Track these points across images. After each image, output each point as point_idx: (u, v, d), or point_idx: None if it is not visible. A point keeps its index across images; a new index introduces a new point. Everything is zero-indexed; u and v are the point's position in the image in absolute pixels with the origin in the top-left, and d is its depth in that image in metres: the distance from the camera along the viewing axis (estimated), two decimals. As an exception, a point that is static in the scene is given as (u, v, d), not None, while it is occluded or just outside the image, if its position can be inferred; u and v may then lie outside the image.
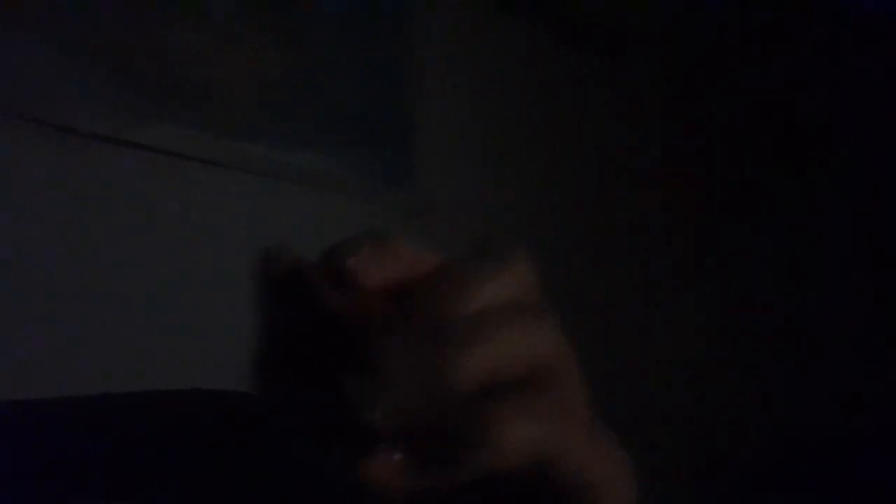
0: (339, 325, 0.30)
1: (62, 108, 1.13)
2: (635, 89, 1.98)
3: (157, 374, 1.12)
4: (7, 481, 0.42)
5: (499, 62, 1.76)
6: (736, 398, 1.97)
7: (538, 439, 0.28)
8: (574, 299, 1.65)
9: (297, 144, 1.37)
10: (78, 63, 1.14)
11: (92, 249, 1.15)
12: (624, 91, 1.96)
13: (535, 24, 1.80)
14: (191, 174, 1.26)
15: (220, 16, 1.29)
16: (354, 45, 1.45)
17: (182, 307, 1.23)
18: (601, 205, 1.89)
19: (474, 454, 0.28)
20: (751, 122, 2.17)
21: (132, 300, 1.18)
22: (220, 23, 1.29)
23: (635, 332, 1.86)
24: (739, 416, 1.95)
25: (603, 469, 0.30)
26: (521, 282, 0.30)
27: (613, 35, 1.93)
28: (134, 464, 0.44)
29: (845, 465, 1.85)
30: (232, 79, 1.31)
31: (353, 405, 0.28)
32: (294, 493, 0.45)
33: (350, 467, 0.28)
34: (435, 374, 0.28)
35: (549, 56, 1.84)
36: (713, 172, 2.09)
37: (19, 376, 0.99)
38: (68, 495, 0.41)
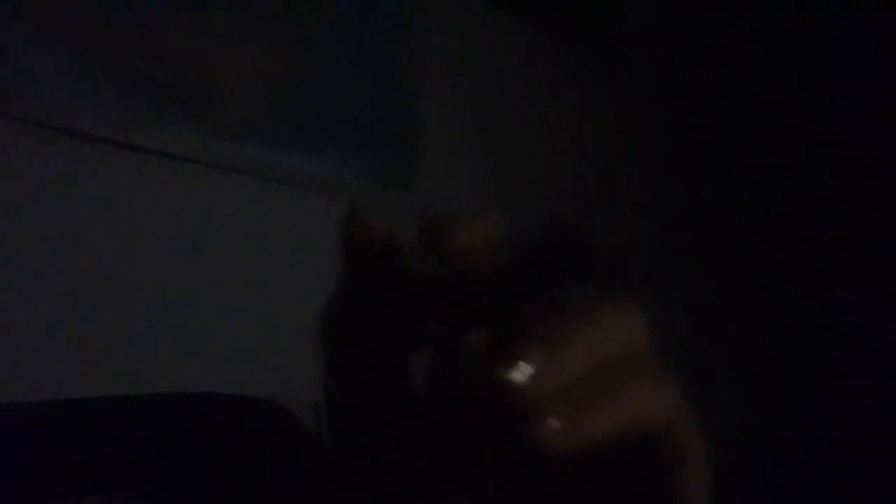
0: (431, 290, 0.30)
1: (63, 110, 1.13)
2: (637, 92, 1.98)
3: (155, 377, 1.12)
4: (17, 479, 0.42)
5: (501, 65, 1.75)
6: (737, 405, 1.96)
7: (663, 403, 0.29)
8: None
9: (299, 147, 1.37)
10: (79, 65, 1.14)
11: (93, 252, 1.15)
12: (626, 94, 1.96)
13: (538, 27, 1.80)
14: (192, 177, 1.26)
15: (222, 18, 1.29)
16: (356, 48, 1.45)
17: (183, 310, 1.22)
18: (603, 208, 1.88)
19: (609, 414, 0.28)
20: (751, 124, 2.17)
21: (134, 303, 1.18)
22: (222, 25, 1.29)
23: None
24: (741, 423, 1.95)
25: (698, 441, 0.30)
26: (635, 332, 0.31)
27: (615, 38, 1.93)
28: (140, 464, 0.44)
29: (847, 472, 1.85)
30: (233, 81, 1.31)
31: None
32: (295, 494, 0.44)
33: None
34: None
35: (552, 59, 1.84)
36: (715, 175, 2.08)
37: (23, 379, 0.99)
38: (76, 492, 0.41)
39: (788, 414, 2.00)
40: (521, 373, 0.26)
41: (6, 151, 1.09)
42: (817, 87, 2.21)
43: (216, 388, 0.52)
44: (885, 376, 2.04)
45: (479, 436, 0.28)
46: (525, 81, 1.78)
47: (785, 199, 2.19)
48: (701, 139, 2.07)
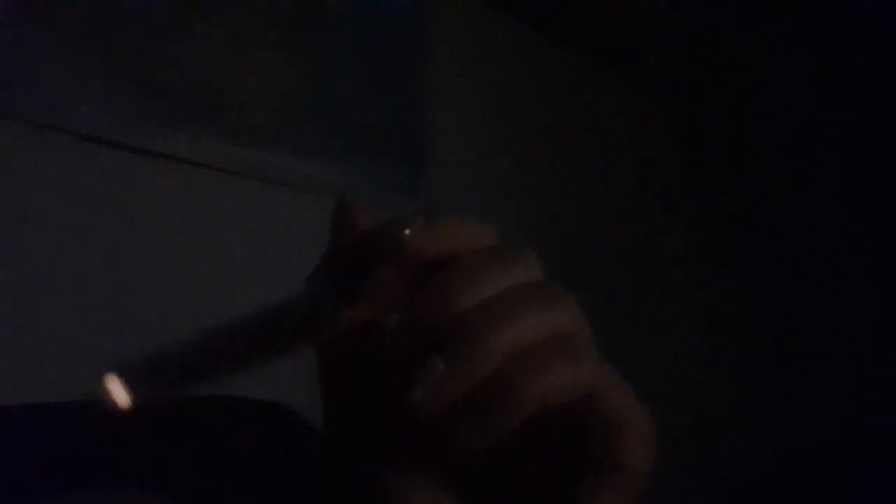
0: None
1: (79, 115, 1.14)
2: (649, 104, 1.98)
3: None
4: (17, 481, 0.42)
5: (514, 75, 1.76)
6: (741, 413, 1.96)
7: (584, 373, 0.33)
8: (584, 311, 1.65)
9: (312, 153, 1.37)
10: (96, 71, 1.15)
11: (106, 257, 1.15)
12: (638, 106, 1.96)
13: (552, 39, 1.80)
14: (207, 183, 1.27)
15: (235, 24, 1.30)
16: (370, 56, 1.46)
17: (198, 315, 1.23)
18: (614, 220, 1.89)
19: (526, 395, 0.31)
20: (759, 128, 2.16)
21: (149, 307, 1.18)
22: (238, 32, 1.30)
23: (641, 348, 1.86)
24: (744, 431, 1.94)
25: (634, 406, 0.34)
26: (534, 270, 0.35)
27: (629, 50, 1.93)
28: (139, 467, 0.44)
29: (852, 482, 1.84)
30: (245, 87, 1.32)
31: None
32: (297, 495, 0.45)
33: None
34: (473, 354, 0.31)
35: (562, 67, 1.85)
36: (719, 178, 2.08)
37: (23, 379, 1.00)
38: (74, 494, 0.41)
39: (790, 419, 2.00)
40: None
41: (25, 158, 1.10)
42: (826, 90, 2.20)
43: (222, 391, 0.53)
44: (886, 379, 2.03)
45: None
46: (535, 89, 1.79)
47: (788, 202, 2.18)
48: (709, 143, 2.07)
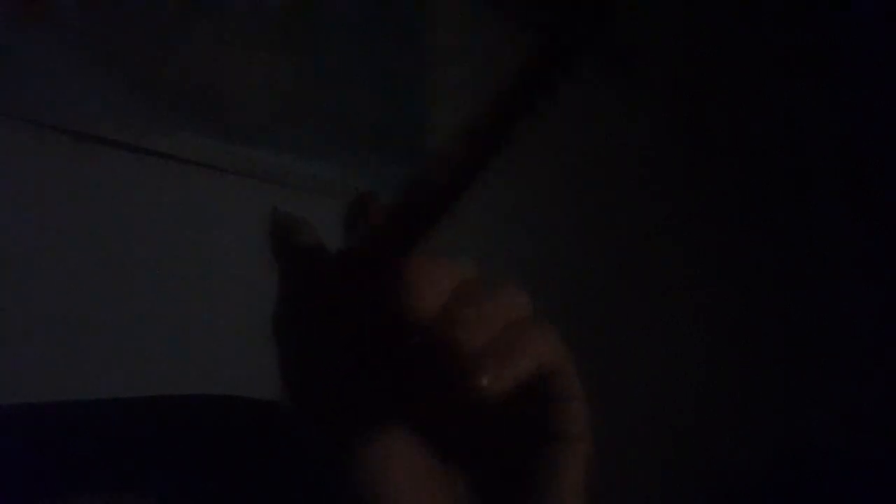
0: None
1: (77, 114, 1.14)
2: (649, 104, 1.98)
3: (159, 379, 1.13)
4: (16, 483, 0.42)
5: (511, 71, 1.76)
6: (741, 413, 1.96)
7: (558, 346, 0.36)
8: (580, 310, 1.65)
9: (311, 152, 1.37)
10: (94, 70, 1.15)
11: (105, 255, 1.15)
12: (638, 106, 1.96)
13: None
14: (205, 181, 1.27)
15: (234, 23, 1.30)
16: (369, 55, 1.46)
17: (195, 314, 1.23)
18: (611, 216, 1.88)
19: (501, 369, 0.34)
20: (757, 128, 2.16)
21: (141, 305, 1.18)
22: (236, 31, 1.30)
23: (640, 346, 1.86)
24: (744, 431, 1.94)
25: (578, 381, 0.37)
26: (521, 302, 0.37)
27: (627, 51, 1.93)
28: (138, 467, 0.44)
29: (852, 482, 1.84)
30: (247, 87, 1.32)
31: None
32: (298, 496, 0.45)
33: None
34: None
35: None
36: (717, 177, 2.08)
37: (23, 379, 1.00)
38: (73, 495, 0.41)
39: (789, 420, 2.00)
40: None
41: (23, 156, 1.10)
42: (826, 90, 2.20)
43: (221, 391, 0.53)
44: (886, 379, 2.03)
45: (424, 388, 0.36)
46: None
47: (787, 203, 2.18)
48: (709, 143, 2.07)
